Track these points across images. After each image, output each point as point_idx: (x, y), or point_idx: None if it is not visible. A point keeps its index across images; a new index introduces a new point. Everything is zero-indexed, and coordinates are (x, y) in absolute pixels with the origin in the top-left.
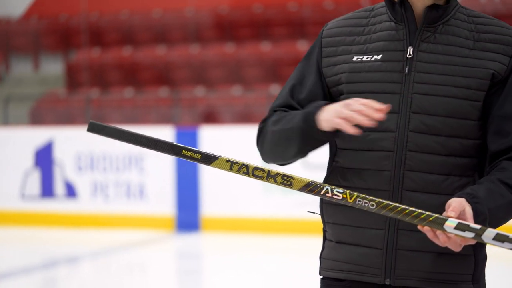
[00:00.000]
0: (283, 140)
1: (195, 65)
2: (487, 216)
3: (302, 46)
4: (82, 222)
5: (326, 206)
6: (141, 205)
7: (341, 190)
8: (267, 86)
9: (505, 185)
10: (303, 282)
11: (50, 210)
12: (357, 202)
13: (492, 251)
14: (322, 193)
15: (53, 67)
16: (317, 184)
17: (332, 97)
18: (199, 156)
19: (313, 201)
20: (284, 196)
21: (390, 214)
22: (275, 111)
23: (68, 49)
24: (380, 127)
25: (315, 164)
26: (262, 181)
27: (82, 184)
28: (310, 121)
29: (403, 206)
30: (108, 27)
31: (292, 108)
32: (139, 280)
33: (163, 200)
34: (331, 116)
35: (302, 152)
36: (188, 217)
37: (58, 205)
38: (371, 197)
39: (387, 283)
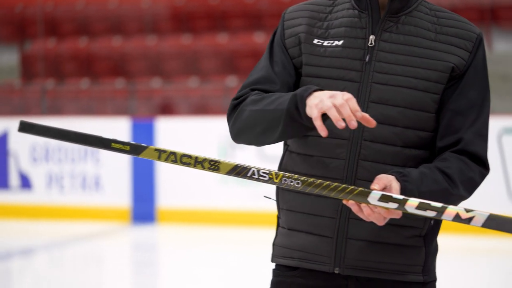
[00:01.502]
0: (265, 121)
1: (152, 57)
2: (417, 196)
3: (259, 38)
4: (37, 214)
5: (282, 193)
6: (97, 197)
7: (267, 170)
8: (223, 78)
9: (441, 172)
10: (259, 273)
11: (5, 202)
12: (283, 182)
13: (444, 243)
14: (248, 175)
15: (8, 58)
16: (244, 167)
17: (292, 67)
18: (128, 147)
19: (269, 192)
20: (240, 187)
21: (316, 191)
22: (252, 89)
23: (23, 39)
24: None
25: (271, 155)
26: (191, 167)
27: (37, 175)
28: (297, 103)
29: (328, 182)
30: (63, 18)
31: (272, 82)
32: (94, 272)
33: (118, 191)
34: (314, 103)
35: (282, 137)
36: (144, 209)
37: (13, 197)
38: (296, 176)
39: (336, 271)
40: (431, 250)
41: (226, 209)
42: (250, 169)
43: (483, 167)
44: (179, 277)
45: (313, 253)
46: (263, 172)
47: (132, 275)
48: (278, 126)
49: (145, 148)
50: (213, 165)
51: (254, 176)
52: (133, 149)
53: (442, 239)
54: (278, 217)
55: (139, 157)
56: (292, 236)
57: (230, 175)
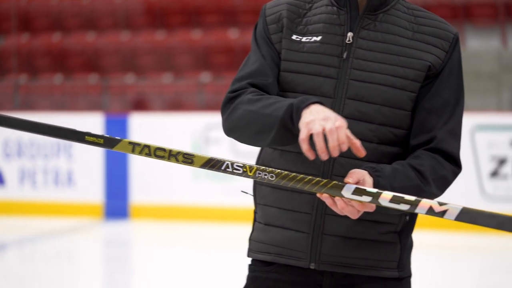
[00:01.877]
0: (258, 124)
1: (125, 52)
2: (389, 191)
3: (233, 34)
4: (10, 209)
5: (259, 188)
6: (70, 192)
7: (241, 163)
8: (197, 74)
9: (414, 169)
10: (232, 269)
11: None
12: (257, 175)
13: (421, 239)
14: (223, 168)
15: None
16: (218, 160)
17: (275, 53)
18: (102, 140)
19: (242, 187)
20: (213, 183)
21: (290, 184)
22: (249, 83)
23: None
24: None
25: (245, 151)
26: (165, 160)
27: (9, 171)
28: (292, 114)
29: (302, 175)
30: (37, 13)
31: (265, 75)
32: (66, 268)
33: (91, 187)
34: (308, 120)
35: (273, 143)
36: (116, 205)
37: None
38: (270, 169)
39: (312, 267)
40: (407, 246)
41: (199, 205)
42: (224, 162)
43: (456, 166)
44: (152, 273)
45: (289, 249)
46: (237, 165)
47: (104, 271)
48: (271, 132)
49: (119, 141)
50: (187, 158)
51: (228, 169)
52: (107, 142)
53: (419, 235)
54: (255, 212)
55: (113, 150)
56: (269, 231)
57: (204, 168)
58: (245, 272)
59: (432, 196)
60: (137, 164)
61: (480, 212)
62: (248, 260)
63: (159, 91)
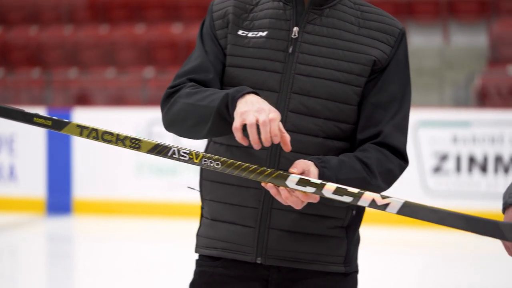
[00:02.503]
0: (196, 116)
1: (68, 47)
2: (335, 183)
3: (177, 29)
4: None
5: (205, 183)
6: (11, 188)
7: (187, 150)
8: (141, 69)
9: (360, 162)
10: (176, 265)
11: None
12: (203, 162)
13: (367, 235)
14: (169, 154)
15: None
16: (164, 146)
17: (220, 47)
18: (50, 122)
19: (186, 182)
20: (156, 178)
21: (235, 172)
22: (189, 79)
23: None
24: None
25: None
26: (112, 145)
27: None
28: (228, 104)
29: (247, 164)
30: None
31: (207, 71)
32: (8, 264)
33: (34, 182)
34: (242, 110)
35: (210, 133)
36: (59, 200)
37: None
38: (216, 156)
39: (258, 261)
40: (353, 241)
41: (142, 200)
42: (171, 148)
43: (402, 160)
44: (95, 269)
45: (236, 243)
46: (183, 152)
47: (47, 267)
48: (207, 122)
49: (67, 123)
50: (134, 143)
51: (174, 156)
52: (55, 124)
53: (367, 230)
54: (202, 208)
55: (61, 132)
56: (215, 227)
57: (151, 154)
58: (188, 268)
59: (378, 189)
60: (80, 159)
61: (421, 207)
62: (195, 256)
63: (103, 86)
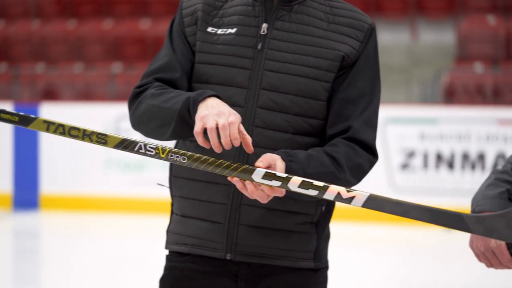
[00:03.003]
0: (159, 118)
1: (36, 41)
2: (302, 177)
3: (145, 25)
4: None
5: (175, 179)
6: None
7: (153, 145)
8: (108, 65)
9: (329, 156)
10: (143, 260)
11: None
12: (169, 157)
13: (336, 231)
14: (136, 149)
15: None
16: (131, 141)
17: (187, 48)
18: (17, 118)
19: (154, 177)
20: (124, 173)
21: (202, 167)
22: (156, 78)
23: None
24: (228, 102)
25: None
26: (79, 140)
27: None
28: (189, 107)
29: (213, 159)
30: None
31: (174, 69)
32: None
33: (0, 177)
34: (202, 114)
35: (173, 136)
36: (26, 195)
37: None
38: (182, 151)
39: (228, 258)
40: (323, 236)
41: (110, 195)
42: (137, 143)
43: (372, 155)
44: (62, 265)
45: (205, 240)
46: (149, 147)
47: (13, 263)
48: (170, 125)
49: (34, 119)
50: (101, 139)
51: (141, 151)
52: (22, 120)
53: (338, 227)
54: (172, 204)
55: (28, 128)
56: (185, 223)
57: (118, 149)
58: (156, 263)
59: (347, 184)
60: (47, 154)
61: (386, 200)
62: (162, 251)
63: (70, 81)
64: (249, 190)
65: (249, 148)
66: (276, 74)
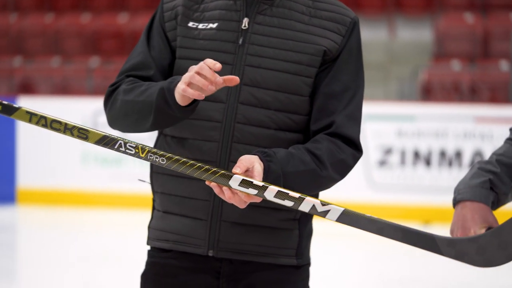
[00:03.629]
0: (136, 112)
1: (13, 35)
2: (281, 176)
3: (123, 19)
4: None
5: (156, 176)
6: None
7: (133, 144)
8: (86, 59)
9: (310, 153)
10: (121, 255)
11: None
12: (148, 157)
13: (319, 227)
14: (116, 147)
15: None
16: (112, 138)
17: (168, 48)
18: (0, 107)
19: (132, 172)
20: (102, 168)
21: (180, 169)
22: (128, 76)
23: None
24: (210, 97)
25: (135, 137)
26: (60, 133)
27: None
28: (165, 97)
29: (192, 161)
30: None
31: (148, 68)
32: None
33: None
34: (179, 85)
35: (154, 127)
36: (3, 189)
37: None
38: (161, 152)
39: (210, 254)
40: (305, 233)
41: (88, 190)
42: (118, 141)
43: (356, 150)
44: (39, 259)
45: (187, 236)
46: (129, 146)
47: None
48: (149, 117)
49: (17, 109)
50: (82, 134)
51: (121, 149)
52: (5, 109)
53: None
54: (153, 200)
55: (11, 117)
56: (167, 219)
57: (99, 145)
58: (133, 258)
59: (331, 180)
60: (25, 148)
61: (360, 216)
62: (141, 246)
63: (47, 75)
64: (226, 196)
65: (235, 79)
66: (257, 69)
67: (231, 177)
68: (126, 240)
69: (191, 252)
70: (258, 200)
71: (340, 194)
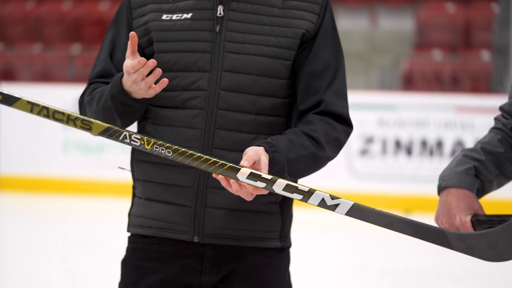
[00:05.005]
0: (103, 118)
1: None
2: (285, 166)
3: (104, 6)
4: None
5: (137, 163)
6: None
7: (139, 136)
8: (67, 46)
9: (308, 137)
10: (102, 242)
11: None
12: (154, 149)
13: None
14: (121, 138)
15: None
16: (116, 129)
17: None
18: (0, 97)
19: (113, 160)
20: (83, 155)
21: (187, 161)
22: (91, 83)
23: None
24: (192, 86)
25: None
26: (63, 124)
27: None
28: (117, 91)
29: (199, 154)
30: None
31: (111, 75)
32: None
33: None
34: (127, 83)
35: (124, 123)
36: None
37: None
38: (168, 144)
39: (195, 240)
40: (288, 216)
41: (69, 177)
42: (122, 132)
43: (347, 125)
44: (19, 247)
45: (172, 223)
46: (135, 137)
47: None
48: (114, 117)
49: (17, 99)
50: (86, 124)
51: (126, 140)
52: (5, 99)
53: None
54: (134, 187)
55: (12, 107)
56: (149, 206)
57: (103, 136)
58: (114, 246)
59: (328, 159)
60: (5, 134)
61: (370, 210)
62: (120, 233)
63: (28, 62)
64: (234, 189)
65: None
66: (237, 55)
67: (239, 170)
68: (108, 228)
69: (175, 239)
70: (265, 192)
71: (321, 182)
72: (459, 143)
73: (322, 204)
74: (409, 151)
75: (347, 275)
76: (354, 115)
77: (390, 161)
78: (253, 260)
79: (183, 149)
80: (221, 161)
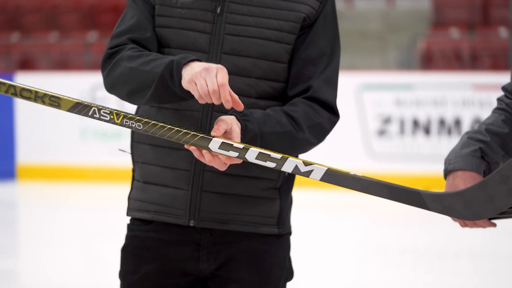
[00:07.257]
0: (137, 81)
1: (10, 11)
2: (258, 134)
3: None
4: None
5: (137, 145)
6: None
7: (108, 110)
8: (84, 34)
9: (287, 115)
10: (120, 229)
11: None
12: (124, 123)
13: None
14: (90, 113)
15: None
16: (85, 105)
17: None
18: None
19: (126, 146)
20: (101, 143)
21: (158, 133)
22: (129, 38)
23: None
24: None
25: (133, 110)
26: (31, 102)
27: None
28: (172, 69)
29: (169, 126)
30: None
31: (145, 29)
32: None
33: None
34: (190, 75)
35: (152, 100)
36: (2, 166)
37: None
38: (137, 117)
39: (191, 224)
40: (287, 202)
41: (87, 165)
42: (91, 107)
43: (333, 114)
44: (40, 235)
45: (168, 206)
46: (104, 112)
47: None
48: (149, 88)
49: None
50: (54, 101)
51: (95, 115)
52: None
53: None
54: (133, 171)
55: None
56: (147, 190)
57: (72, 112)
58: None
59: (307, 143)
60: (24, 124)
61: (345, 174)
62: (128, 220)
63: (45, 50)
64: (206, 159)
65: (240, 106)
66: (237, 37)
67: (211, 140)
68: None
69: (171, 223)
70: (238, 161)
71: (339, 163)
72: (477, 121)
73: (296, 170)
74: (427, 131)
75: (367, 255)
76: (371, 96)
77: (408, 141)
78: (250, 246)
79: (154, 121)
80: (193, 132)
